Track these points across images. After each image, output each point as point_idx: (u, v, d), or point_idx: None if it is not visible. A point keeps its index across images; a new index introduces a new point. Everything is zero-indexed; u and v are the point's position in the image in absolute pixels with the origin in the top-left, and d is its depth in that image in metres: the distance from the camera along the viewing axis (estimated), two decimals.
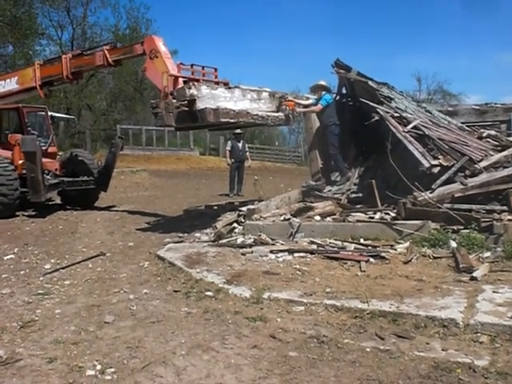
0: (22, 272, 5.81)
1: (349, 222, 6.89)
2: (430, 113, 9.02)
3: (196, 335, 3.82)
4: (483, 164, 7.13)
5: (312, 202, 8.03)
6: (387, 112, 8.19)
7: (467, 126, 8.95)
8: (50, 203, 11.70)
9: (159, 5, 58.49)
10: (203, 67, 7.83)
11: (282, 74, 68.49)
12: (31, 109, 12.21)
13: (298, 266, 5.47)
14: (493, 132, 8.68)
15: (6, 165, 9.90)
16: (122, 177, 17.95)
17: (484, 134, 8.45)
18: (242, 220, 7.39)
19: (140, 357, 3.47)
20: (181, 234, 7.73)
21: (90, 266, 6.11)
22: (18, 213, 10.02)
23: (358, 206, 7.79)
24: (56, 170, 11.14)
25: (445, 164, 7.13)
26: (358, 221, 6.85)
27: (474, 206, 6.59)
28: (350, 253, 5.87)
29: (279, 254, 5.95)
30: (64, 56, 9.58)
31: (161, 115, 7.19)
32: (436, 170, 7.11)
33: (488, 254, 5.63)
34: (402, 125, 7.92)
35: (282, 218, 7.35)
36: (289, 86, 40.06)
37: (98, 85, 34.54)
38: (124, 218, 9.95)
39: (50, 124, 12.18)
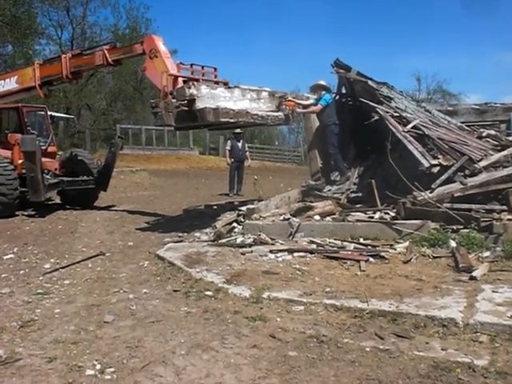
0: (21, 271, 5.81)
1: (348, 221, 6.89)
2: (430, 112, 9.02)
3: (195, 335, 3.82)
4: (483, 164, 7.14)
5: (312, 202, 8.03)
6: (387, 112, 8.20)
7: (467, 126, 8.96)
8: (50, 203, 11.69)
9: (159, 4, 58.61)
10: (203, 67, 7.82)
11: (281, 73, 68.64)
12: (31, 108, 12.21)
13: (297, 266, 5.47)
14: (492, 132, 8.68)
15: (6, 164, 9.90)
16: (122, 176, 17.95)
17: (484, 134, 8.46)
18: (242, 220, 7.39)
19: (139, 356, 3.47)
20: (180, 234, 7.73)
21: (90, 265, 6.11)
22: (17, 212, 10.01)
23: (358, 206, 7.79)
24: (56, 169, 11.14)
25: (444, 164, 7.13)
26: (358, 220, 6.85)
27: (473, 206, 6.59)
28: (349, 252, 5.87)
29: (279, 254, 5.95)
30: (63, 56, 9.57)
31: (160, 115, 7.18)
32: (436, 169, 7.12)
33: (487, 253, 5.63)
34: (401, 124, 7.92)
35: (281, 217, 7.35)
36: (289, 86, 40.20)
37: (97, 84, 34.55)
38: (124, 218, 9.95)
39: (50, 123, 12.18)
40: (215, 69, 7.96)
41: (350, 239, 6.38)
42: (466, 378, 3.08)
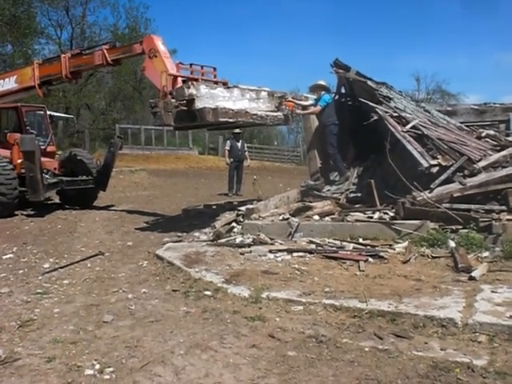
0: (20, 271, 5.80)
1: (347, 221, 6.89)
2: (429, 112, 9.02)
3: (195, 335, 3.82)
4: (482, 164, 7.14)
5: (311, 202, 8.04)
6: (386, 112, 8.20)
7: (466, 126, 8.95)
8: (49, 202, 11.68)
9: (158, 4, 58.67)
10: (202, 67, 7.83)
11: (281, 73, 68.72)
12: (30, 108, 12.21)
13: (296, 266, 5.47)
14: (491, 132, 8.69)
15: (5, 164, 9.89)
16: (121, 176, 17.95)
17: (483, 134, 8.46)
18: (241, 219, 7.39)
19: (139, 356, 3.47)
20: (180, 234, 7.73)
21: (89, 265, 6.11)
22: (16, 212, 10.01)
23: (357, 206, 7.79)
24: (55, 169, 11.13)
25: (443, 164, 7.13)
26: (357, 220, 6.85)
27: (472, 206, 6.60)
28: (348, 252, 5.87)
29: (278, 254, 5.95)
30: (63, 55, 9.57)
31: (160, 115, 7.18)
32: (435, 169, 7.12)
33: (486, 253, 5.63)
34: (400, 124, 7.92)
35: (280, 217, 7.35)
36: (288, 86, 40.13)
37: (96, 84, 34.56)
38: (123, 218, 9.95)
39: (49, 123, 12.19)
40: (214, 69, 7.97)
41: (349, 239, 6.38)
42: (464, 378, 3.08)
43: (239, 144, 14.64)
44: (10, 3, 26.17)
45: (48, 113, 12.42)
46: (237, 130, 14.20)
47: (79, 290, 5.08)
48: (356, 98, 9.45)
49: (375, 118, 8.20)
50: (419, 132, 7.73)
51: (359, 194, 8.33)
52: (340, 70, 9.32)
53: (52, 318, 4.24)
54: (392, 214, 6.90)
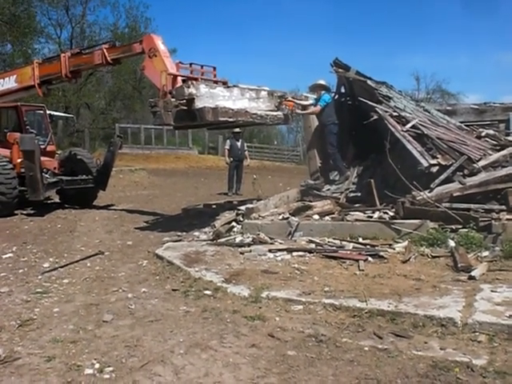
0: (20, 271, 5.80)
1: (347, 221, 6.89)
2: (429, 112, 9.02)
3: (194, 334, 3.82)
4: (482, 163, 7.14)
5: (311, 201, 8.04)
6: (386, 111, 8.20)
7: (466, 126, 8.96)
8: (49, 202, 11.68)
9: (158, 3, 58.60)
10: (202, 66, 7.83)
11: (281, 73, 68.64)
12: (30, 107, 12.20)
13: (296, 265, 5.47)
14: (491, 131, 8.69)
15: (5, 163, 9.89)
16: (121, 176, 17.94)
17: (483, 134, 8.47)
18: (241, 219, 7.40)
19: (138, 355, 3.47)
20: (179, 233, 7.73)
21: (89, 264, 6.11)
22: (16, 211, 10.00)
23: (357, 205, 7.79)
24: (55, 168, 11.13)
25: (443, 163, 7.13)
26: (357, 220, 6.86)
27: (472, 206, 6.60)
28: (348, 252, 5.87)
29: (278, 253, 5.95)
30: (63, 55, 9.57)
31: (159, 114, 7.18)
32: (434, 169, 7.12)
33: (486, 253, 5.64)
34: (400, 124, 7.92)
35: (280, 217, 7.35)
36: (288, 85, 40.17)
37: (96, 83, 34.53)
38: (123, 217, 9.95)
39: (49, 122, 12.18)
40: (214, 68, 7.97)
41: (348, 239, 6.38)
42: (464, 377, 3.08)
43: (239, 143, 14.64)
44: (9, 2, 26.16)
45: (48, 112, 12.42)
46: (237, 130, 14.19)
47: (79, 289, 5.08)
48: (356, 98, 9.45)
49: (375, 117, 8.19)
50: (419, 131, 7.73)
51: (359, 194, 8.33)
52: (340, 70, 9.32)
53: (52, 318, 4.24)
54: (392, 214, 6.90)
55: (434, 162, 7.14)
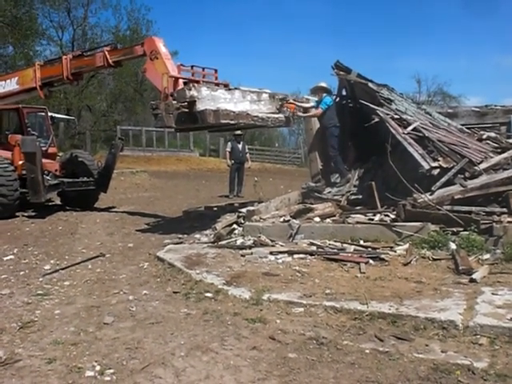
0: (21, 273, 5.81)
1: (348, 223, 6.88)
2: (430, 115, 9.03)
3: (195, 336, 3.82)
4: (483, 166, 7.14)
5: (312, 204, 8.03)
6: (387, 114, 8.20)
7: (467, 128, 8.96)
8: (50, 204, 11.70)
9: (160, 6, 58.43)
10: (203, 68, 7.85)
11: (282, 75, 68.68)
12: (31, 109, 12.22)
13: (297, 268, 5.47)
14: (492, 134, 8.68)
15: (6, 165, 9.91)
16: (122, 178, 17.96)
17: (484, 136, 8.47)
18: (242, 221, 7.39)
19: (139, 358, 3.47)
20: (180, 235, 7.73)
21: (90, 266, 6.11)
22: (17, 213, 10.02)
23: (358, 208, 7.79)
24: (56, 170, 11.14)
25: (444, 166, 7.12)
26: (358, 222, 6.85)
27: (473, 208, 6.59)
28: (349, 254, 5.87)
29: (279, 256, 5.95)
30: (64, 57, 9.60)
31: (161, 116, 7.20)
32: (436, 171, 7.11)
33: (487, 255, 5.63)
34: (401, 127, 7.92)
35: (281, 219, 7.35)
36: (289, 88, 40.22)
37: (98, 86, 34.53)
38: (124, 219, 9.96)
39: (50, 125, 12.19)
40: (216, 70, 7.98)
41: (349, 241, 6.38)
42: (465, 380, 3.08)
43: (240, 146, 14.65)
44: (11, 4, 26.18)
45: (49, 114, 12.43)
46: (238, 132, 14.22)
47: (80, 291, 5.08)
48: (357, 100, 9.46)
49: (376, 120, 8.20)
50: (420, 134, 7.73)
51: (360, 196, 8.33)
52: (341, 72, 9.33)
53: (53, 320, 4.25)
54: (393, 216, 6.89)
55: (435, 164, 7.13)
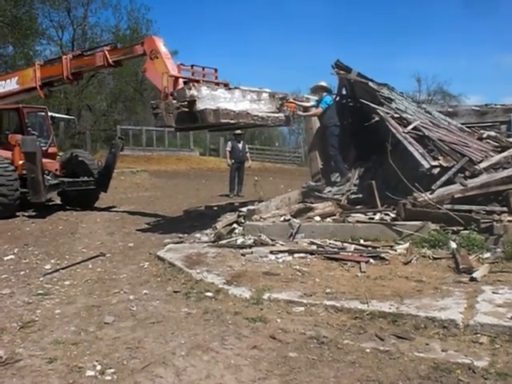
0: (22, 272, 5.81)
1: (349, 222, 6.89)
2: (430, 114, 9.02)
3: (196, 336, 3.82)
4: (483, 165, 7.14)
5: (312, 203, 8.03)
6: (387, 113, 8.20)
7: (467, 127, 8.96)
8: (50, 204, 11.70)
9: (160, 6, 58.62)
10: (203, 68, 7.84)
11: (282, 74, 68.64)
12: (31, 109, 12.22)
13: (297, 267, 5.47)
14: (493, 133, 8.68)
15: (7, 165, 9.91)
16: (122, 177, 17.96)
17: (484, 135, 8.46)
18: (242, 221, 7.39)
19: (140, 357, 3.47)
20: (181, 235, 7.73)
21: (90, 266, 6.11)
22: (18, 213, 10.02)
23: (358, 207, 7.79)
24: (56, 170, 11.14)
25: (445, 165, 7.13)
26: (358, 221, 6.85)
27: (473, 207, 6.59)
28: (349, 253, 5.86)
29: (279, 255, 5.95)
30: (64, 56, 9.59)
31: (161, 116, 7.20)
32: (436, 170, 7.11)
33: (488, 254, 5.63)
34: (402, 126, 7.92)
35: (282, 218, 7.35)
36: (289, 87, 40.17)
37: (98, 85, 34.53)
38: (124, 219, 9.96)
39: (50, 124, 12.20)
40: (216, 70, 7.98)
41: (350, 240, 6.37)
42: (466, 379, 3.08)
43: (240, 145, 14.65)
44: (11, 4, 26.18)
45: (49, 114, 12.44)
46: (238, 131, 14.21)
47: (80, 291, 5.09)
48: (357, 100, 9.45)
49: (376, 119, 8.19)
50: (420, 133, 7.73)
51: (360, 195, 8.33)
52: (341, 72, 9.33)
53: (53, 319, 4.25)
54: (393, 215, 6.90)
55: (435, 163, 7.13)
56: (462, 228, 6.21)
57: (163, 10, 65.18)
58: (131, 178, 18.86)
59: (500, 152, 7.65)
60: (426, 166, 7.09)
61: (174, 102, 7.09)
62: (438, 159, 7.22)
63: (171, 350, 3.57)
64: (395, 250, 5.93)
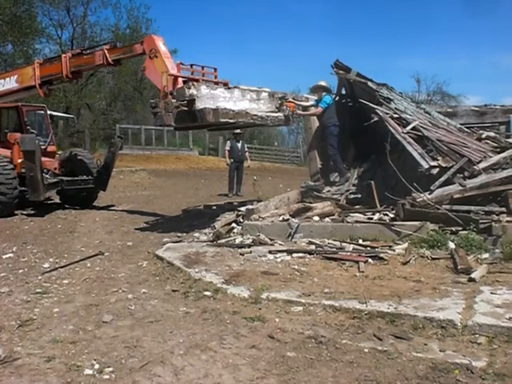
0: (20, 271, 5.81)
1: (347, 222, 6.89)
2: (429, 114, 9.03)
3: (194, 335, 3.82)
4: (482, 165, 7.14)
5: (311, 203, 8.03)
6: (386, 113, 8.20)
7: (466, 128, 8.96)
8: (49, 202, 11.67)
9: (159, 5, 58.60)
10: (203, 67, 7.83)
11: (281, 74, 68.61)
12: (30, 107, 12.22)
13: (296, 267, 5.48)
14: (492, 133, 8.69)
15: (5, 164, 9.90)
16: (121, 176, 17.97)
17: (483, 136, 8.47)
18: (241, 220, 7.40)
19: (138, 356, 3.47)
20: (179, 234, 7.73)
21: (89, 265, 6.11)
22: (16, 212, 10.01)
23: (357, 207, 7.80)
24: (55, 169, 11.12)
25: (444, 165, 7.13)
26: (357, 221, 6.85)
27: (472, 208, 6.60)
28: (348, 253, 5.87)
29: (278, 255, 5.95)
30: (64, 55, 9.57)
31: (160, 115, 7.19)
32: (435, 171, 7.12)
33: (486, 255, 5.63)
34: (401, 126, 7.93)
35: (280, 218, 7.35)
36: (288, 87, 40.16)
37: (97, 84, 34.47)
38: (123, 218, 9.95)
39: (50, 123, 12.19)
40: (215, 69, 7.96)
41: (348, 240, 6.38)
42: (464, 379, 3.08)
43: (239, 144, 14.64)
44: (10, 3, 26.13)
45: (48, 112, 12.42)
46: (237, 131, 14.20)
47: (79, 289, 5.08)
48: (356, 99, 9.46)
49: (375, 119, 8.19)
50: (419, 133, 7.73)
51: (359, 195, 8.34)
52: (340, 71, 9.33)
53: (52, 318, 4.25)
54: (392, 216, 6.90)
55: (434, 163, 7.14)
56: (460, 228, 6.22)
57: (163, 9, 65.00)
58: (130, 176, 18.86)
59: (499, 152, 7.66)
60: (425, 166, 7.10)
61: (174, 101, 7.08)
62: (437, 159, 7.22)
63: (169, 349, 3.57)
64: (394, 250, 5.94)
